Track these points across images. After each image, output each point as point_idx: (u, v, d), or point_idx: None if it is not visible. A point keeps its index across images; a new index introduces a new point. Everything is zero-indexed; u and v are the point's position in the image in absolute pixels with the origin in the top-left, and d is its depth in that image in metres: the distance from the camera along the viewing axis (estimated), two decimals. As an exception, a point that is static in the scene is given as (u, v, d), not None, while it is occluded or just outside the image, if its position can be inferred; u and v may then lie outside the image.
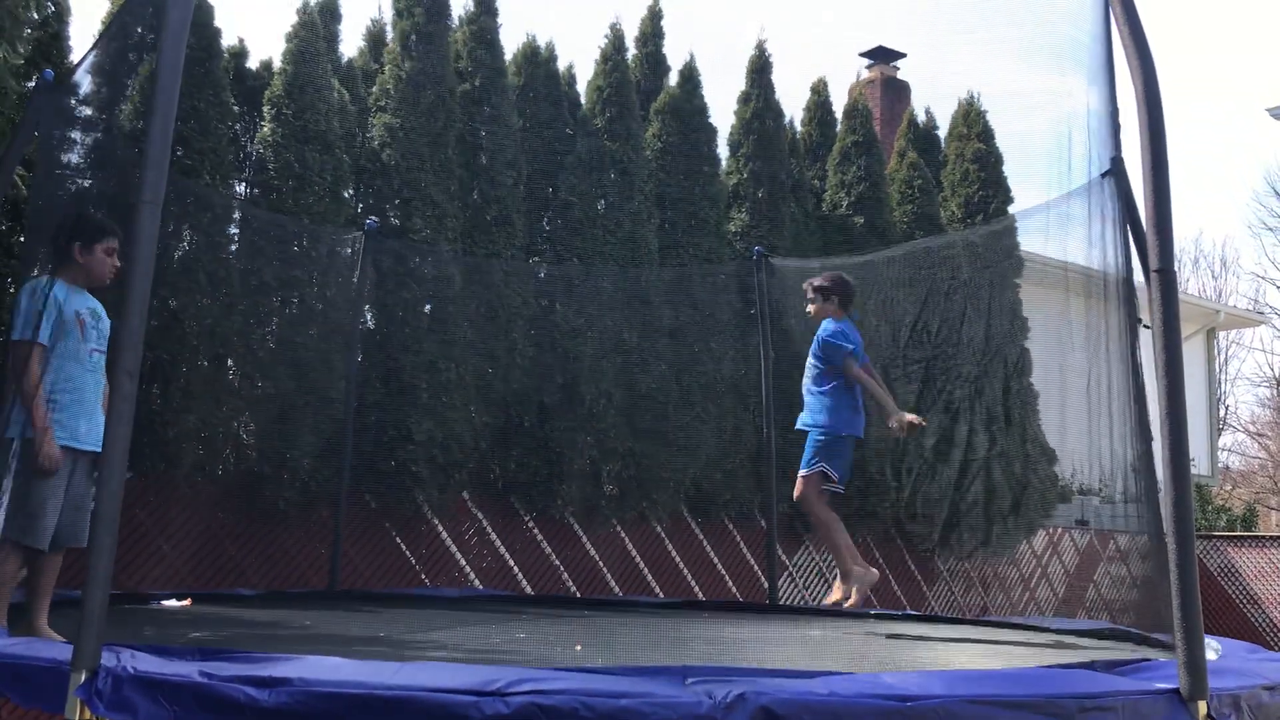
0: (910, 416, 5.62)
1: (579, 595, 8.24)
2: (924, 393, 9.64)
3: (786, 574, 9.47)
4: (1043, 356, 10.15)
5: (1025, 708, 2.93)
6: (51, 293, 4.16)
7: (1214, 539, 13.67)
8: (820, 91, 10.85)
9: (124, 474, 3.08)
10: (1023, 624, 6.48)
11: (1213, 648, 4.22)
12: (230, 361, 7.01)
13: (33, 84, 5.62)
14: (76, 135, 6.28)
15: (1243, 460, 28.19)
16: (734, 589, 9.20)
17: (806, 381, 5.86)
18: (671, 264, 8.97)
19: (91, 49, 6.09)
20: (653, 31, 9.78)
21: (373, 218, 7.63)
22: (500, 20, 8.64)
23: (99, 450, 3.48)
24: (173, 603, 5.91)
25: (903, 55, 16.08)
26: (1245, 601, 13.10)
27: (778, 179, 9.72)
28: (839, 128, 10.66)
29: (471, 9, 8.63)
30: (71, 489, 4.13)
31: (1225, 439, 27.38)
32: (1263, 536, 14.18)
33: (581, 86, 9.20)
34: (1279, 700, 3.54)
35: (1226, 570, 13.28)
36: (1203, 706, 3.14)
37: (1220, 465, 21.02)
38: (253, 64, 7.81)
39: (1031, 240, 9.34)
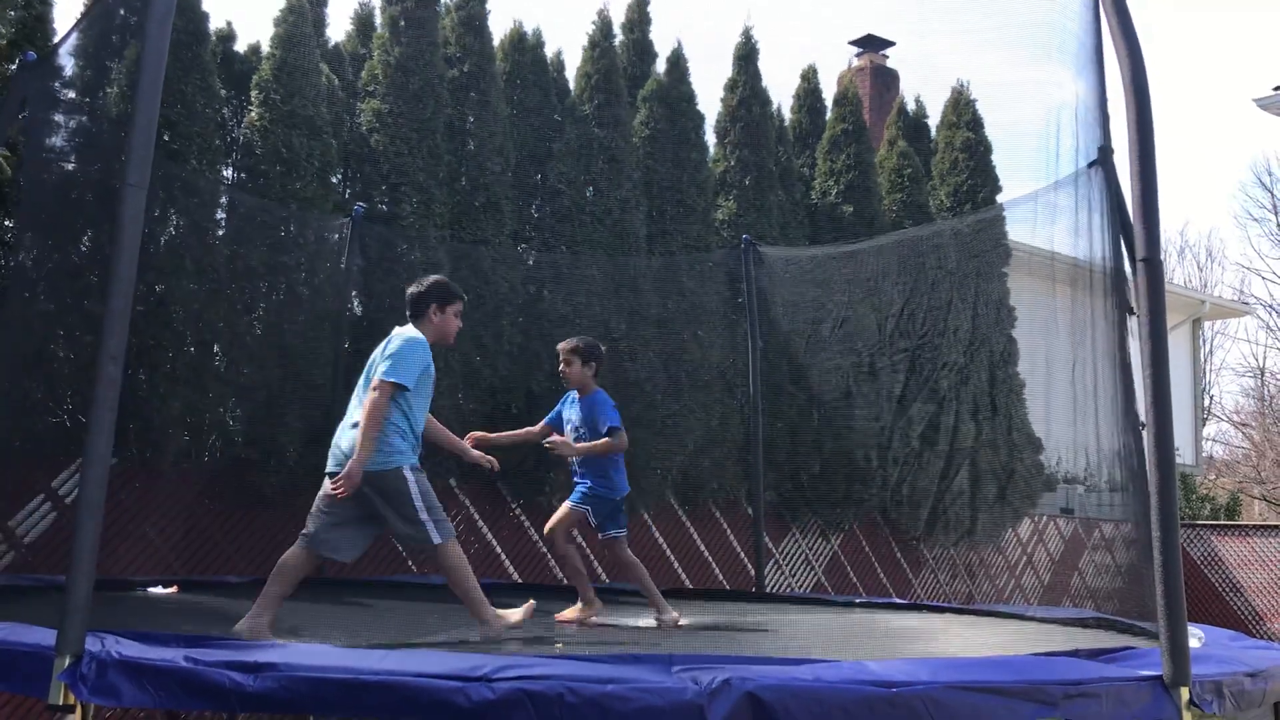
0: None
1: (566, 583, 8.24)
2: (910, 381, 9.67)
3: (773, 561, 9.50)
4: (1029, 346, 10.18)
5: (1010, 694, 2.95)
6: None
7: (1198, 528, 13.76)
8: (809, 79, 10.83)
9: (108, 460, 3.07)
10: (1009, 613, 6.50)
11: (1196, 635, 4.25)
12: (217, 347, 6.97)
13: (15, 65, 5.58)
14: (60, 118, 6.24)
15: (1227, 450, 28.38)
16: (721, 576, 9.22)
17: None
18: (659, 252, 8.96)
19: (73, 29, 6.04)
20: (640, 18, 9.75)
21: (360, 203, 7.60)
22: (488, 6, 8.61)
23: None
24: (159, 590, 5.90)
25: (892, 44, 16.08)
26: (1228, 589, 13.20)
27: (765, 167, 9.71)
28: (829, 116, 10.65)
29: (460, -6, 8.58)
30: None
31: (1210, 429, 27.56)
32: (1246, 525, 14.29)
33: (570, 73, 9.17)
34: (1260, 686, 3.57)
35: (1210, 559, 13.38)
36: (1185, 693, 3.17)
37: (1205, 455, 21.14)
38: (240, 48, 7.76)
39: (1019, 229, 9.40)
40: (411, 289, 4.67)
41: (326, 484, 4.34)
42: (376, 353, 4.48)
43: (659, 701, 2.70)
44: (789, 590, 9.44)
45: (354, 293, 7.67)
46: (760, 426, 8.32)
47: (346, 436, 4.38)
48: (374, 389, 4.30)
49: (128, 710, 5.80)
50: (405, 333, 4.50)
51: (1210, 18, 45.59)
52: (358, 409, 4.39)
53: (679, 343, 8.74)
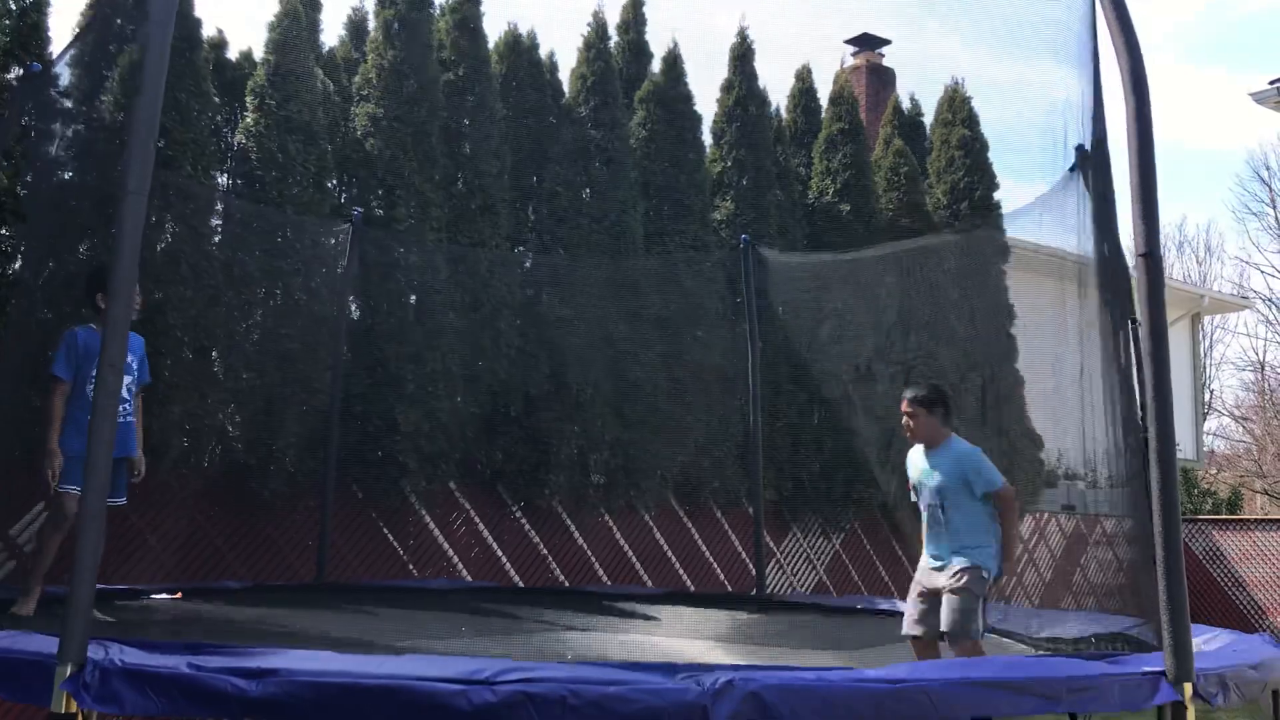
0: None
1: (568, 585, 8.24)
2: (910, 378, 9.64)
3: (774, 561, 9.49)
4: (1028, 343, 10.16)
5: (1014, 689, 2.95)
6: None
7: (1199, 522, 13.75)
8: (804, 79, 10.82)
9: (109, 468, 3.06)
10: (1009, 632, 6.10)
11: (1218, 639, 4.27)
12: (215, 353, 6.96)
13: (11, 75, 5.58)
14: (58, 126, 6.24)
15: (1228, 444, 28.38)
16: (722, 577, 9.21)
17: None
18: (657, 253, 8.95)
19: (74, 41, 6.04)
20: (634, 19, 9.75)
21: (357, 208, 7.59)
22: (482, 8, 8.59)
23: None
24: (163, 596, 5.89)
25: (887, 42, 16.05)
26: (1230, 584, 13.19)
27: (762, 167, 9.70)
28: (824, 115, 10.64)
29: (454, -3, 8.57)
30: None
31: (1210, 423, 27.55)
32: (1247, 519, 14.28)
33: (564, 75, 9.17)
34: (1261, 677, 3.58)
35: (1211, 553, 13.37)
36: (1189, 688, 3.17)
37: (1205, 449, 21.13)
38: (232, 54, 7.75)
39: (1016, 226, 9.37)
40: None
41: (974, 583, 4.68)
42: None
43: (661, 702, 2.69)
44: (789, 590, 9.43)
45: (351, 297, 7.66)
46: (760, 425, 8.31)
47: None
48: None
49: (130, 718, 5.78)
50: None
51: (1206, 12, 45.61)
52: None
53: (678, 343, 8.73)
